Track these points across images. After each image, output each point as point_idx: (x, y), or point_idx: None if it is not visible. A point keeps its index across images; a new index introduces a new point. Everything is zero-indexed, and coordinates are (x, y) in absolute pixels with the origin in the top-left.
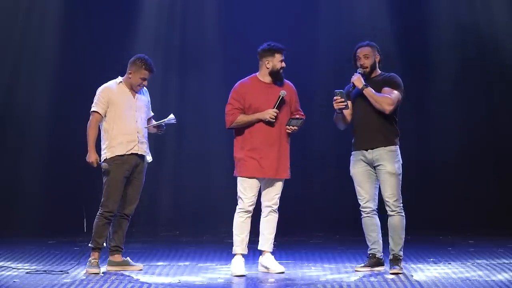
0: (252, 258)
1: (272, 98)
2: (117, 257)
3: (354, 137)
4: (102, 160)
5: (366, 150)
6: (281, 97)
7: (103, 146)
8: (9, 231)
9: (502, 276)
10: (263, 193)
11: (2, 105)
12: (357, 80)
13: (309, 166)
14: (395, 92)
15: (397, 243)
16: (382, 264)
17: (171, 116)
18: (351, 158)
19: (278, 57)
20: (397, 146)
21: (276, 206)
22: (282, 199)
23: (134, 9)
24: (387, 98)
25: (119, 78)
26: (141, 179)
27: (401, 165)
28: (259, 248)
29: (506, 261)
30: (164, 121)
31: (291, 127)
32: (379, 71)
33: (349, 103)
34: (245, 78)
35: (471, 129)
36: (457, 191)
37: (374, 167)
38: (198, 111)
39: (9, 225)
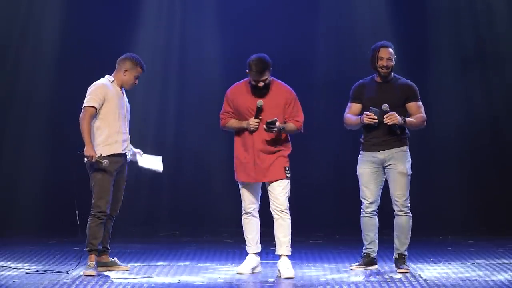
0: (262, 258)
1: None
2: (105, 258)
3: (365, 138)
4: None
5: (378, 151)
6: (257, 107)
7: (96, 143)
8: (9, 231)
9: (502, 276)
10: (269, 196)
11: (2, 105)
12: (394, 119)
13: (309, 166)
14: (420, 104)
15: (403, 243)
16: (375, 264)
17: (160, 163)
18: (359, 157)
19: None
20: (407, 146)
21: (284, 207)
22: None
23: (134, 12)
24: (422, 118)
25: (111, 77)
26: (124, 177)
27: (410, 166)
28: (276, 253)
29: (506, 261)
30: (150, 169)
31: (269, 131)
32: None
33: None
34: None
35: (472, 129)
36: (458, 191)
37: (384, 167)
38: (198, 111)
39: (9, 225)
